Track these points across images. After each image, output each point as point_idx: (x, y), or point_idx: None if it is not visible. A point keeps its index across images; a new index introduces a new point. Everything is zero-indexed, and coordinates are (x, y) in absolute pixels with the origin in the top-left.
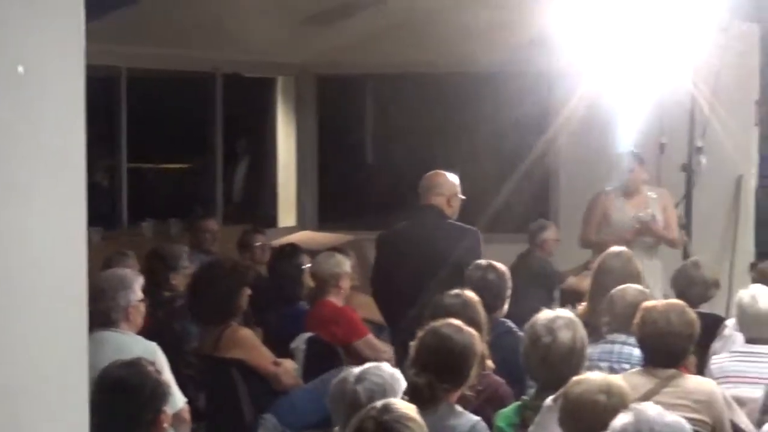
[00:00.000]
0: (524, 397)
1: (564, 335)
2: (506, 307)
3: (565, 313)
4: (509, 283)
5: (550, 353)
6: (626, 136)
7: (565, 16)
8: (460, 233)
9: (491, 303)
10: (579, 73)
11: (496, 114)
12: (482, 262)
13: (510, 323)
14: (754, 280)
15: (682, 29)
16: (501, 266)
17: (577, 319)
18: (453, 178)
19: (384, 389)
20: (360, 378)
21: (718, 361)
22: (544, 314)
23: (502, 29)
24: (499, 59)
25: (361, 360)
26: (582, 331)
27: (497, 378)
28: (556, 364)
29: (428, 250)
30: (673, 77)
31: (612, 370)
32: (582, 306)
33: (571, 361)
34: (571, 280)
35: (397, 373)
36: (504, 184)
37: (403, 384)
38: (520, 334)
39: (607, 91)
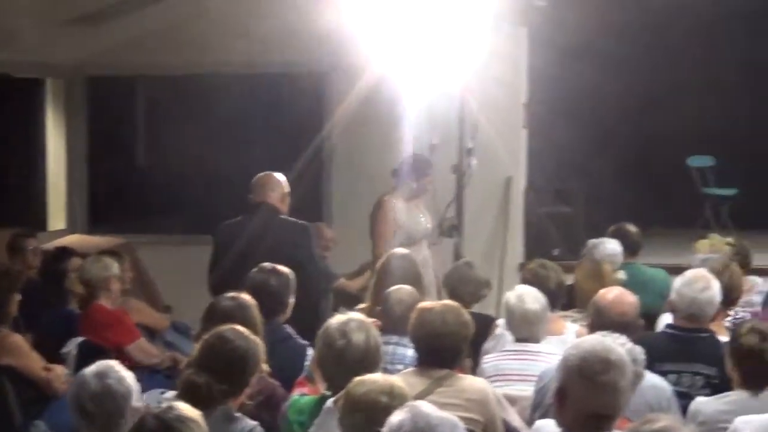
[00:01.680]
0: (325, 392)
1: (358, 337)
2: (288, 311)
3: (357, 315)
4: (292, 288)
5: (344, 356)
6: (399, 137)
7: (342, 16)
8: (293, 228)
9: (272, 307)
10: (354, 73)
11: (273, 114)
12: (266, 265)
13: (289, 329)
14: (523, 281)
15: (452, 30)
16: (285, 270)
17: (369, 321)
18: (284, 179)
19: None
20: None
21: (490, 360)
22: (337, 318)
23: (280, 30)
24: (276, 60)
25: (133, 364)
26: (375, 332)
27: (273, 381)
28: (352, 366)
29: (264, 245)
30: (443, 78)
31: (386, 371)
32: (362, 307)
33: (366, 362)
34: (343, 282)
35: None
36: None
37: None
38: (301, 341)
39: (382, 91)
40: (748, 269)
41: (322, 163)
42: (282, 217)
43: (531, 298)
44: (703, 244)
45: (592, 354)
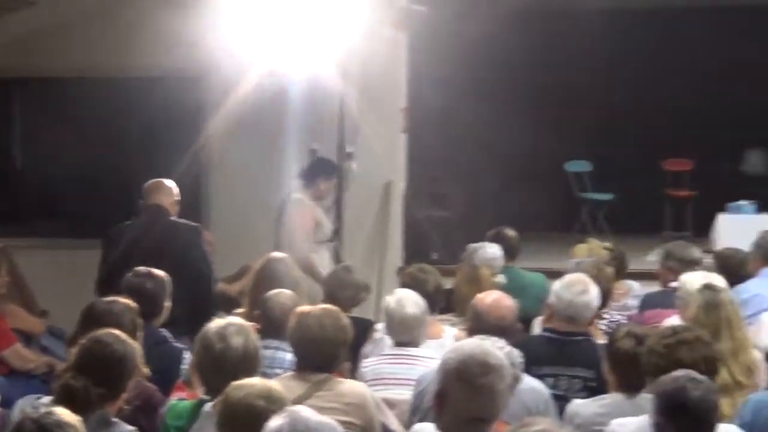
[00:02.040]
0: (203, 396)
1: (236, 341)
2: (165, 314)
3: (236, 319)
4: (168, 291)
5: (223, 360)
6: (278, 142)
7: (220, 19)
8: (185, 228)
9: (148, 310)
10: (233, 77)
11: (151, 118)
12: (141, 269)
13: (166, 332)
14: (402, 285)
15: (330, 35)
16: (161, 274)
17: (248, 325)
18: (174, 185)
19: None
20: None
21: (369, 364)
22: (215, 322)
23: (156, 33)
24: (153, 63)
25: (9, 369)
26: (253, 336)
27: (150, 385)
28: (230, 370)
29: (156, 246)
30: (321, 83)
31: (265, 375)
32: (241, 311)
33: (245, 366)
34: (222, 285)
35: None
36: None
37: None
38: (177, 344)
39: (260, 95)
40: (624, 273)
41: (201, 167)
42: (174, 219)
43: (410, 302)
44: (580, 249)
45: (470, 357)
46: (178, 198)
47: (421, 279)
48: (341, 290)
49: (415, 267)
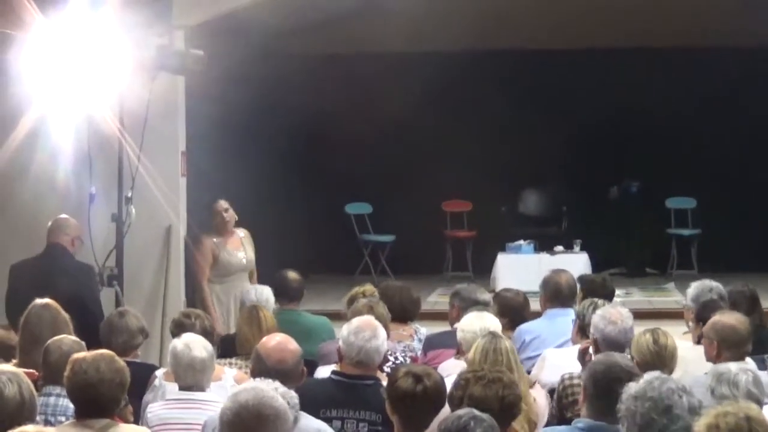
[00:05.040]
0: None
1: (10, 390)
2: None
3: (8, 367)
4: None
5: None
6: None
7: None
8: (80, 268)
9: None
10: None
11: None
12: (38, 301)
13: None
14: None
15: (107, 78)
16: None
17: (21, 372)
18: (76, 223)
19: None
20: None
21: (154, 409)
22: None
23: None
24: None
25: None
26: (27, 383)
27: None
28: (4, 420)
29: (53, 283)
30: (101, 126)
31: (48, 424)
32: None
33: (21, 415)
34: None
35: None
36: None
37: None
38: None
39: (38, 140)
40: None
41: None
42: (71, 258)
43: (198, 345)
44: (356, 291)
45: (245, 409)
46: (76, 234)
47: (188, 324)
48: (114, 336)
49: (181, 313)
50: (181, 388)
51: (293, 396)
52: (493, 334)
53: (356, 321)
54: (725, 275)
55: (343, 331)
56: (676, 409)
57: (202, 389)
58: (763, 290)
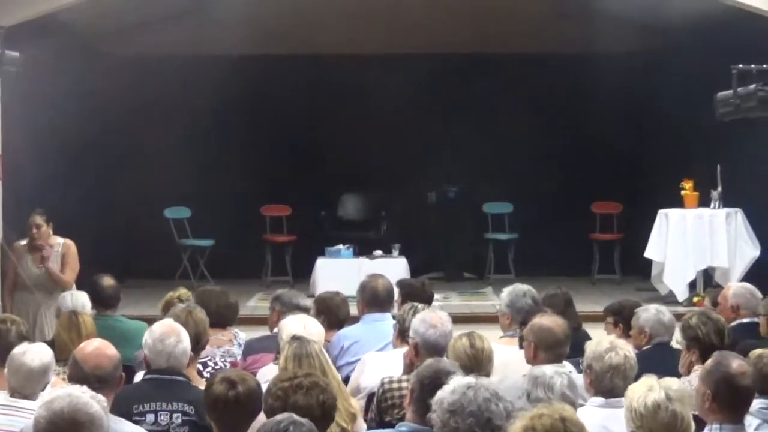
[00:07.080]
0: None
1: None
2: None
3: None
4: None
5: None
6: None
7: None
8: None
9: None
10: None
11: None
12: None
13: None
14: None
15: None
16: None
17: None
18: None
19: None
20: None
21: None
22: None
23: None
24: None
25: None
26: None
27: None
28: None
29: None
30: None
31: None
32: None
33: None
34: None
35: None
36: None
37: None
38: None
39: None
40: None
41: None
42: None
43: (36, 353)
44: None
45: (59, 417)
46: None
47: (3, 330)
48: None
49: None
50: (11, 395)
51: (102, 399)
52: (300, 339)
53: (158, 327)
54: (542, 279)
55: (147, 338)
56: (497, 419)
57: (32, 398)
58: (579, 293)
